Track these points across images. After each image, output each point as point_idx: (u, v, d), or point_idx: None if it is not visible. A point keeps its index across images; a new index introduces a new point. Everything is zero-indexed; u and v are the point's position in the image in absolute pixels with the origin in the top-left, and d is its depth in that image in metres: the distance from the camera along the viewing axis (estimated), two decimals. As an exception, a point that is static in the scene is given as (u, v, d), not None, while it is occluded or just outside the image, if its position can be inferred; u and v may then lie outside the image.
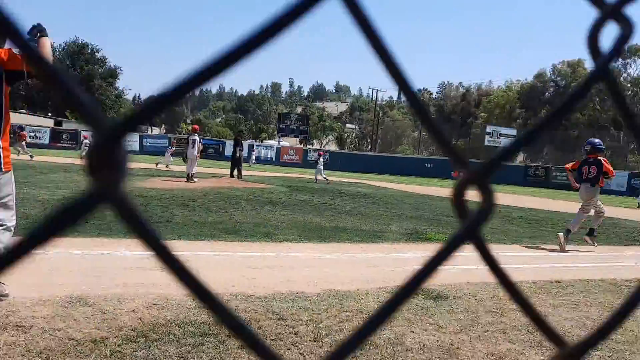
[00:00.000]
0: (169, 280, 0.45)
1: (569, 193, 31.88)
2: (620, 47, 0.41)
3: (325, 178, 22.48)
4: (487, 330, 3.94)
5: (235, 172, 20.34)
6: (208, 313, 0.33)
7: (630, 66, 56.37)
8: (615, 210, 16.18)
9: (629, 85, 55.65)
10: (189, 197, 11.64)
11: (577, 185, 9.09)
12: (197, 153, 16.72)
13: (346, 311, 4.21)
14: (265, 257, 6.13)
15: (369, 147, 71.84)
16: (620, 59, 56.20)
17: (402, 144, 72.47)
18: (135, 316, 3.72)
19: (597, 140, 9.33)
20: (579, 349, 0.42)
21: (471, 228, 0.32)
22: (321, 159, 23.59)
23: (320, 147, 65.43)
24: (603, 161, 8.83)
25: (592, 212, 8.95)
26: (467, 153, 58.85)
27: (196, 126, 18.71)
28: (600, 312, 4.69)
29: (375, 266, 6.17)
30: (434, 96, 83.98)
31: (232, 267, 5.54)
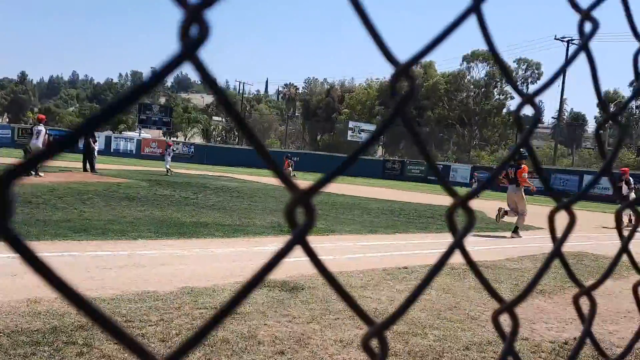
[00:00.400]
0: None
1: (422, 185, 34.47)
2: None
3: (168, 169, 22.70)
4: (338, 318, 4.11)
5: (89, 166, 18.90)
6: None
7: (473, 69, 62.20)
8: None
9: (471, 86, 61.47)
10: (32, 194, 10.59)
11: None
12: (42, 145, 15.25)
13: (200, 308, 4.13)
14: (117, 256, 5.79)
15: (236, 140, 71.25)
16: (465, 62, 61.90)
17: (270, 138, 72.94)
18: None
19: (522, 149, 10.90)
20: (384, 325, 0.48)
21: (299, 235, 0.40)
22: (170, 150, 24.47)
23: (185, 139, 63.44)
24: (523, 166, 10.98)
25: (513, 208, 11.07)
26: (331, 147, 60.97)
27: (42, 115, 17.01)
28: (439, 293, 5.11)
29: (235, 261, 6.13)
30: (299, 91, 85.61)
31: (79, 268, 5.16)
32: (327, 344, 3.57)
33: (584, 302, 0.87)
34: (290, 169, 27.88)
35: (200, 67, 0.36)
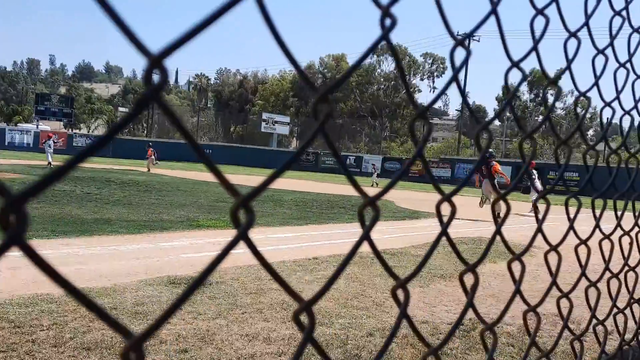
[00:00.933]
0: None
1: (336, 176, 35.00)
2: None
3: (50, 162, 22.01)
4: (245, 312, 4.06)
5: None
6: None
7: (383, 63, 63.93)
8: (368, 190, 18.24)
9: (382, 80, 63.20)
10: None
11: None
12: None
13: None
14: (8, 257, 5.33)
15: (145, 132, 68.50)
16: (375, 56, 63.45)
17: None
18: None
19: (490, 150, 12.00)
20: (310, 301, 0.58)
21: (243, 232, 0.45)
22: (50, 142, 24.22)
23: (89, 131, 60.04)
24: (494, 164, 12.87)
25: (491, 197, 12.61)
26: (245, 139, 60.30)
27: None
28: (347, 282, 5.21)
29: (139, 258, 5.88)
30: (211, 82, 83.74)
31: (-38, 272, 4.72)
32: (233, 339, 3.51)
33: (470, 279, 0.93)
34: (153, 157, 27.12)
35: (165, 108, 0.43)
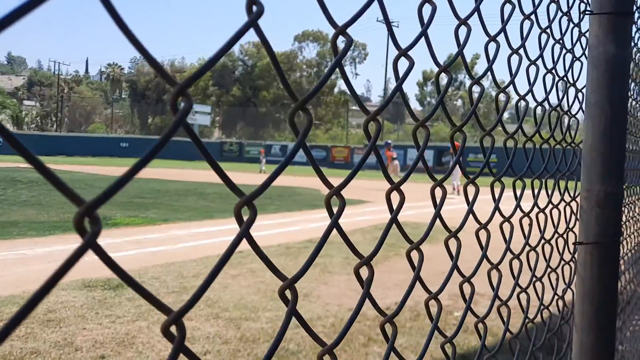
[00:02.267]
0: None
1: (258, 166, 34.80)
2: None
3: None
4: (167, 312, 3.94)
5: None
6: None
7: (304, 49, 64.01)
8: (294, 179, 18.24)
9: (304, 66, 63.25)
10: None
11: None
12: None
13: (5, 320, 3.64)
14: None
15: (54, 126, 64.60)
16: (297, 42, 63.35)
17: (94, 122, 67.39)
18: None
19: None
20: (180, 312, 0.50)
21: (90, 241, 0.39)
22: None
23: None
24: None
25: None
26: (163, 131, 58.21)
27: None
28: (273, 275, 5.19)
29: (50, 262, 5.54)
30: (125, 71, 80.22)
31: None
32: (154, 341, 3.40)
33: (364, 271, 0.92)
34: None
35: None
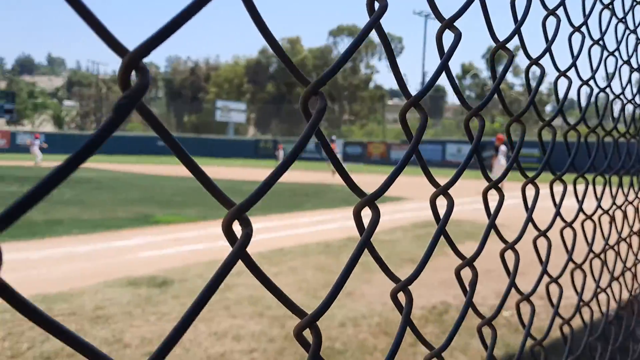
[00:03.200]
0: None
1: (295, 163, 34.93)
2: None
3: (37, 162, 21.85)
4: (212, 310, 3.94)
5: None
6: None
7: (339, 44, 63.89)
8: (329, 175, 18.24)
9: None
10: None
11: None
12: None
13: (56, 316, 3.70)
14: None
15: (94, 125, 66.27)
16: (332, 37, 63.27)
17: (132, 122, 68.87)
18: None
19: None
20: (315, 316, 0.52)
21: (240, 248, 0.84)
22: (36, 142, 24.84)
23: (33, 127, 57.62)
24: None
25: None
26: (200, 128, 59.13)
27: None
28: (315, 273, 5.15)
29: (95, 259, 5.65)
30: (161, 70, 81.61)
31: None
32: (201, 338, 3.40)
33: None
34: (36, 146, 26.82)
35: (148, 114, 0.37)
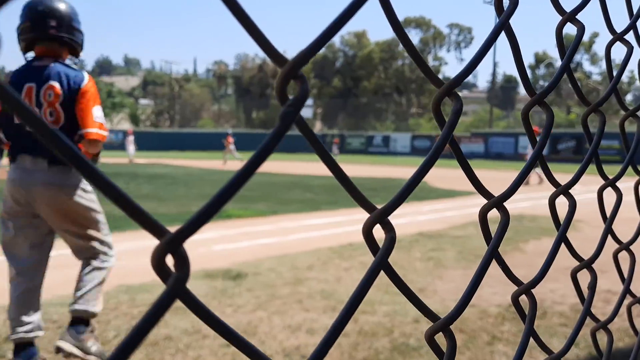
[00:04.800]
0: None
1: (363, 157, 34.85)
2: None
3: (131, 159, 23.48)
4: (285, 303, 4.00)
5: None
6: None
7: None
8: (398, 170, 18.07)
9: (406, 54, 62.34)
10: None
11: None
12: None
13: (138, 306, 3.90)
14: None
15: (168, 123, 69.09)
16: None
17: (202, 118, 71.20)
18: None
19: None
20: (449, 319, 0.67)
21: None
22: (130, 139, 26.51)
23: (112, 126, 60.82)
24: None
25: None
26: (267, 124, 60.20)
27: None
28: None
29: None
30: (230, 68, 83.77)
31: (1, 273, 4.76)
32: (276, 331, 3.45)
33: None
34: (232, 147, 27.38)
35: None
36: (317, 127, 64.53)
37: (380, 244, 0.47)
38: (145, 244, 6.26)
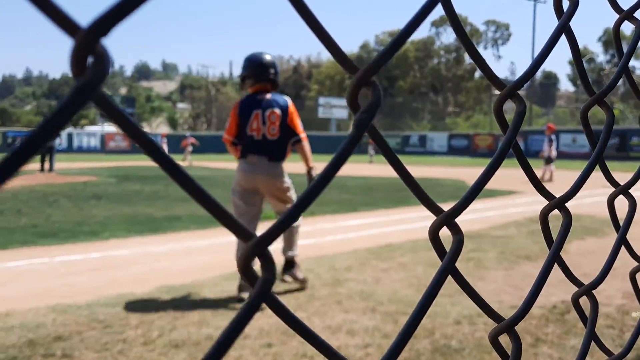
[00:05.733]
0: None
1: (398, 157, 34.62)
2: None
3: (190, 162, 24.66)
4: (324, 304, 4.00)
5: (47, 166, 17.46)
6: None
7: (442, 35, 62.16)
8: (435, 170, 17.86)
9: (442, 52, 61.53)
10: (-5, 200, 10.18)
11: None
12: None
13: (180, 307, 3.96)
14: (89, 259, 5.56)
15: (205, 126, 70.17)
16: (434, 28, 61.77)
17: (238, 122, 71.89)
18: None
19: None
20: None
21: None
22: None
23: (150, 129, 62.15)
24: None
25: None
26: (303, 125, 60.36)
27: None
28: (425, 269, 5.05)
29: (212, 253, 5.96)
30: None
31: (51, 275, 4.93)
32: (316, 332, 3.44)
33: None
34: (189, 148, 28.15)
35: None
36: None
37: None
38: (185, 245, 6.38)
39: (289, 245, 4.53)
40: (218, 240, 6.68)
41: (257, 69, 4.24)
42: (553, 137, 15.86)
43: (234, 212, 4.31)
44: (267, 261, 0.31)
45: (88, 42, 0.25)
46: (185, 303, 4.06)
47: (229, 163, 26.74)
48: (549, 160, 15.64)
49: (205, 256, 5.78)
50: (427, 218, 8.50)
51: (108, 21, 0.25)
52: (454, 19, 0.44)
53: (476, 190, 0.44)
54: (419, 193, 0.43)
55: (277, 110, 4.22)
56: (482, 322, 3.65)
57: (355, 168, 21.91)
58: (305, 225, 7.74)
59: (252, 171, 4.27)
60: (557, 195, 0.60)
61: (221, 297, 4.19)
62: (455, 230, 0.44)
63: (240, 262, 0.31)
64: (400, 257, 5.57)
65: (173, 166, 0.29)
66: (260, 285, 0.30)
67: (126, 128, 0.28)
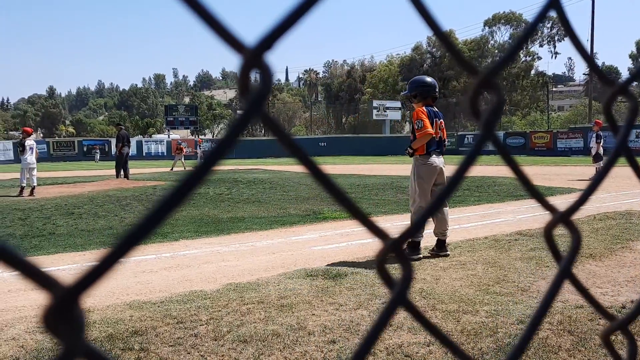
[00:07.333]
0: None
1: (453, 157, 33.98)
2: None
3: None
4: (385, 302, 4.07)
5: (123, 172, 18.59)
6: None
7: (496, 33, 60.67)
8: (491, 168, 17.46)
9: (496, 51, 60.01)
10: (73, 205, 10.87)
11: None
12: (34, 160, 13.50)
13: (247, 304, 4.15)
14: (161, 258, 5.89)
15: (262, 131, 71.45)
16: (487, 27, 60.41)
17: (295, 125, 72.94)
18: (17, 344, 3.40)
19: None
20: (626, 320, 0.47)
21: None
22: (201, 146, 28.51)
23: (213, 136, 64.01)
24: None
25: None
26: (357, 129, 60.41)
27: (29, 129, 14.36)
28: (485, 267, 5.02)
29: (274, 252, 6.16)
30: (320, 75, 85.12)
31: (126, 273, 5.26)
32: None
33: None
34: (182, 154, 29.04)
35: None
36: (407, 129, 63.72)
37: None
38: (249, 245, 6.62)
39: (445, 228, 5.72)
40: (279, 240, 6.89)
41: (426, 86, 5.96)
42: (601, 133, 15.25)
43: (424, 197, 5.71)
44: (572, 227, 0.33)
45: (255, 58, 0.29)
46: (251, 300, 4.24)
47: (287, 166, 27.15)
48: (597, 158, 15.08)
49: (268, 255, 5.98)
50: (484, 217, 8.39)
51: (273, 36, 0.29)
52: (566, 24, 0.48)
53: (591, 189, 0.47)
54: (534, 192, 0.45)
55: (442, 120, 5.93)
56: (547, 322, 3.62)
57: (409, 169, 21.73)
58: (362, 225, 7.82)
59: (437, 165, 5.81)
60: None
61: (285, 295, 4.35)
62: (572, 228, 0.45)
63: (378, 263, 0.34)
64: (460, 255, 5.56)
65: (318, 171, 0.34)
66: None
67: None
